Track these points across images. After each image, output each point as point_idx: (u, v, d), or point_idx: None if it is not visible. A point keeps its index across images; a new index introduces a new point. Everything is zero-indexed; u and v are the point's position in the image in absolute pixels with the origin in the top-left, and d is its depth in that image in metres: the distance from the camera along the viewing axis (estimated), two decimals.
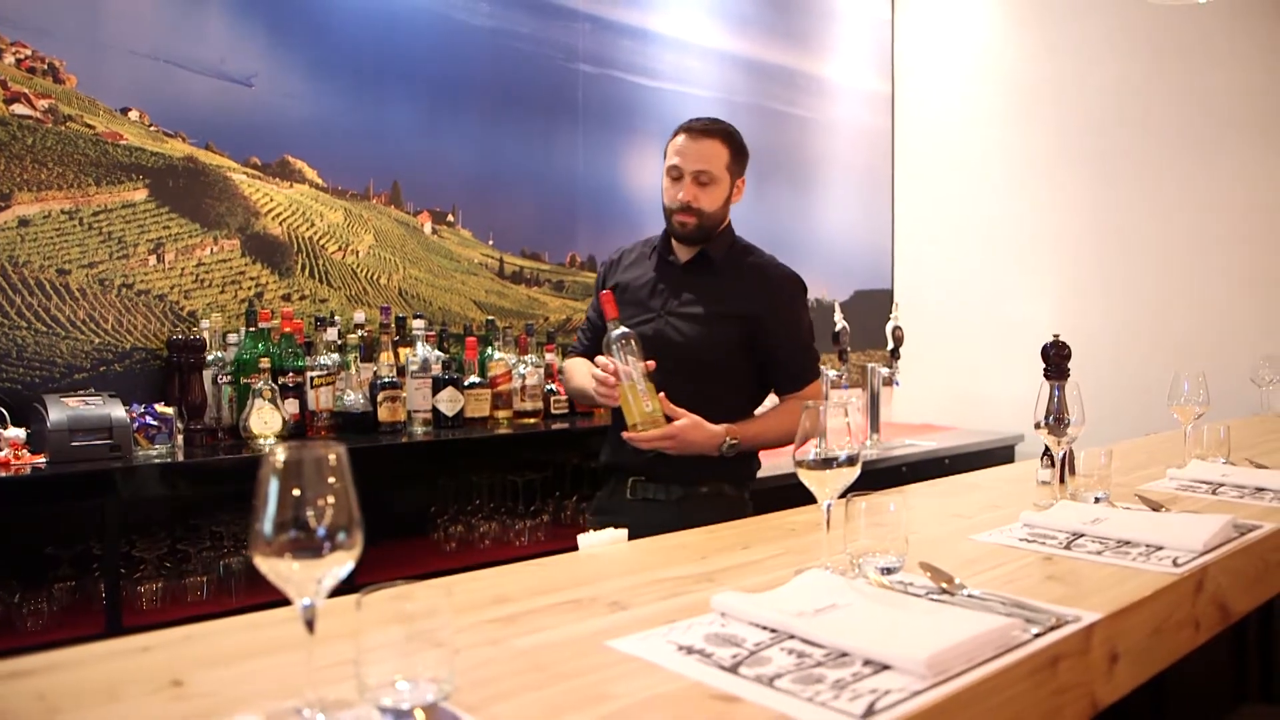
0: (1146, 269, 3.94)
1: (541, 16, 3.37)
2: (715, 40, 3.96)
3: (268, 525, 0.75)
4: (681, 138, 2.06)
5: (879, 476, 3.32)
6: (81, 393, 2.18)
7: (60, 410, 2.07)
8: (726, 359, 2.06)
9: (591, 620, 1.05)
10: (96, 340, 2.40)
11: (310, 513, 0.76)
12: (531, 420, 2.93)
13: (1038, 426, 1.69)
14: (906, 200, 4.78)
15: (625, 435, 1.92)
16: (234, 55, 2.66)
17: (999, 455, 3.94)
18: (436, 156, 3.08)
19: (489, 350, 2.95)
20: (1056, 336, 1.93)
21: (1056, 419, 1.67)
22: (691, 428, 1.91)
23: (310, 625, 0.78)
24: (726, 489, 2.07)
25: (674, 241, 2.13)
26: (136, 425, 2.19)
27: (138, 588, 2.18)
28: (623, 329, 1.93)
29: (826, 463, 1.21)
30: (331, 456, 0.77)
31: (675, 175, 2.05)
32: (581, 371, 2.12)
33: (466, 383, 2.78)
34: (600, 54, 3.55)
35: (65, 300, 2.36)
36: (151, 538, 2.26)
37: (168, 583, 2.22)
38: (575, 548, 1.45)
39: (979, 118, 4.49)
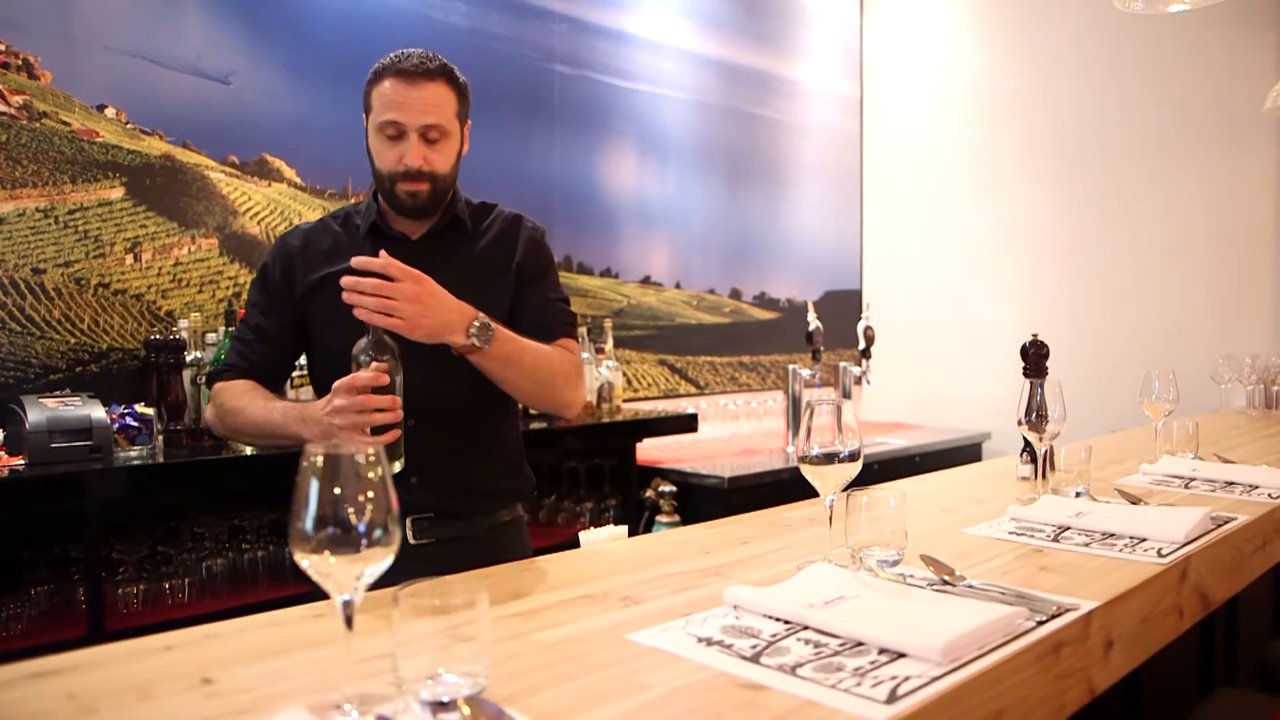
0: (1109, 271, 4.05)
1: (518, 17, 3.37)
2: (689, 42, 3.99)
3: (308, 523, 0.76)
4: (393, 84, 1.59)
5: None
6: (60, 393, 2.15)
7: (39, 411, 2.03)
8: None
9: (608, 614, 1.07)
10: (72, 340, 2.36)
11: (350, 510, 0.77)
12: None
13: (1020, 423, 1.74)
14: (875, 202, 4.85)
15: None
16: (212, 53, 2.63)
17: (967, 453, 4.02)
18: None
19: None
20: (1035, 336, 1.98)
21: (1038, 415, 1.72)
22: (426, 280, 1.47)
23: (349, 621, 0.79)
24: (520, 508, 1.84)
25: (392, 215, 1.69)
26: (117, 426, 2.16)
27: (119, 590, 2.15)
28: (379, 332, 1.46)
29: (829, 458, 1.24)
30: (370, 453, 0.78)
31: (393, 134, 1.60)
32: (259, 404, 1.62)
33: None
34: (576, 55, 3.56)
35: (40, 300, 2.32)
36: (132, 540, 2.23)
37: (149, 585, 2.20)
38: (561, 546, 1.47)
39: (947, 121, 4.58)
